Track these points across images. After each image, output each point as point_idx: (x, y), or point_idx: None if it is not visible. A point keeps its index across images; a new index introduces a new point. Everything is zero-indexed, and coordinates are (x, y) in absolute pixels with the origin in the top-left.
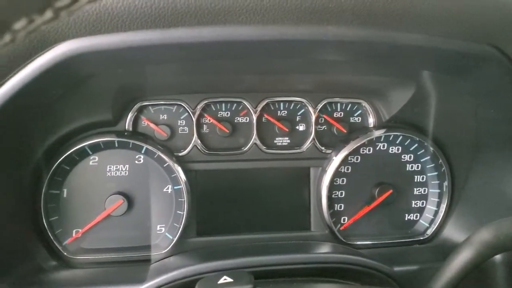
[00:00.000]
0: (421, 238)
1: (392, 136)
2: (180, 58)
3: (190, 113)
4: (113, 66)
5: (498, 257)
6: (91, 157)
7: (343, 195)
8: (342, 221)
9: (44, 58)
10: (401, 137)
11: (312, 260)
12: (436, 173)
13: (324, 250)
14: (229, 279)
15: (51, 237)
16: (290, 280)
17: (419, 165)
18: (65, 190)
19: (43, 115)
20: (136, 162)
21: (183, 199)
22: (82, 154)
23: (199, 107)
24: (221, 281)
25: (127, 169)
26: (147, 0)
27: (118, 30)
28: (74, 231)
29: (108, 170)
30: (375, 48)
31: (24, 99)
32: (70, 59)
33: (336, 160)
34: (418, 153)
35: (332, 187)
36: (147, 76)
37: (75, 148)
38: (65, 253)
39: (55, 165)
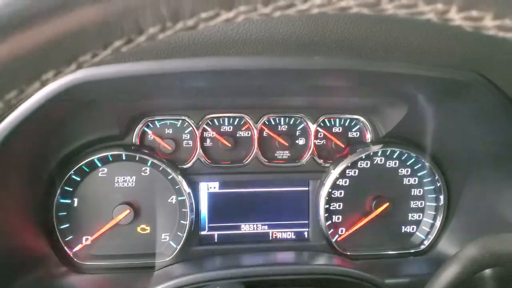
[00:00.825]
0: (417, 250)
1: (389, 151)
2: (179, 85)
3: (194, 128)
4: (114, 93)
5: (488, 271)
6: (100, 169)
7: (341, 207)
8: (340, 232)
9: (52, 86)
10: (398, 152)
11: (304, 271)
12: (432, 187)
13: (318, 261)
14: None
15: (63, 244)
16: None
17: (416, 179)
18: (76, 200)
19: (55, 131)
20: (143, 174)
21: (186, 210)
22: (92, 166)
23: (203, 122)
24: None
25: (134, 181)
26: None
27: (117, 62)
28: (84, 238)
29: (116, 181)
30: (361, 76)
31: (32, 122)
32: (77, 86)
33: (334, 173)
34: (415, 167)
35: (330, 199)
36: (152, 98)
37: (85, 161)
38: (75, 259)
39: (67, 176)
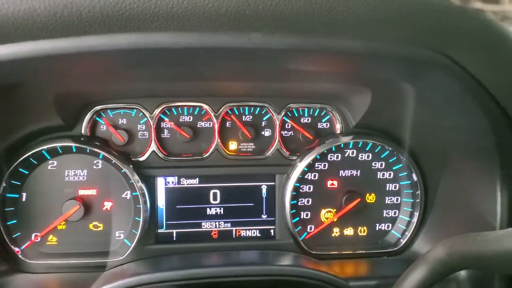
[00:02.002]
0: (391, 250)
1: (361, 142)
2: (102, 66)
3: (149, 117)
4: (33, 75)
5: (462, 273)
6: (50, 162)
7: (309, 203)
8: (308, 230)
9: None
10: (370, 144)
11: (265, 272)
12: (409, 182)
13: (281, 261)
14: None
15: (8, 240)
16: None
17: (391, 173)
18: (24, 194)
19: None
20: (94, 167)
21: (140, 206)
22: (40, 158)
23: (158, 111)
24: None
25: (86, 174)
26: (49, 9)
27: (26, 39)
28: (33, 235)
29: (66, 175)
30: (308, 56)
31: None
32: None
33: (301, 166)
34: (390, 161)
35: (297, 194)
36: (86, 83)
37: (31, 152)
38: (22, 257)
39: (11, 168)
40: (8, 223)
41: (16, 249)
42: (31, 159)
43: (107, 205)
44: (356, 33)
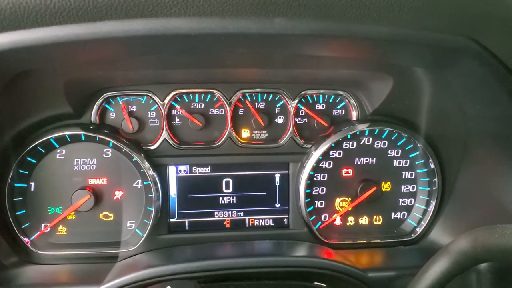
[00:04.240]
0: (407, 239)
1: (377, 130)
2: (116, 53)
3: (160, 105)
4: (45, 62)
5: (483, 264)
6: (58, 150)
7: (324, 192)
8: (322, 219)
9: None
10: (387, 131)
11: (281, 263)
12: (425, 169)
13: (296, 252)
14: None
15: (17, 231)
16: (256, 284)
17: (408, 161)
18: (32, 184)
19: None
20: (104, 155)
21: (152, 195)
22: (48, 147)
23: (169, 98)
24: None
25: (95, 163)
26: None
27: (39, 25)
28: (42, 225)
29: (75, 163)
30: (333, 42)
31: None
32: None
33: (316, 155)
34: (407, 148)
35: (312, 183)
36: (97, 69)
37: (40, 141)
38: (32, 248)
39: (19, 157)
40: (17, 213)
41: (26, 239)
42: (39, 147)
43: (118, 194)
44: (385, 18)
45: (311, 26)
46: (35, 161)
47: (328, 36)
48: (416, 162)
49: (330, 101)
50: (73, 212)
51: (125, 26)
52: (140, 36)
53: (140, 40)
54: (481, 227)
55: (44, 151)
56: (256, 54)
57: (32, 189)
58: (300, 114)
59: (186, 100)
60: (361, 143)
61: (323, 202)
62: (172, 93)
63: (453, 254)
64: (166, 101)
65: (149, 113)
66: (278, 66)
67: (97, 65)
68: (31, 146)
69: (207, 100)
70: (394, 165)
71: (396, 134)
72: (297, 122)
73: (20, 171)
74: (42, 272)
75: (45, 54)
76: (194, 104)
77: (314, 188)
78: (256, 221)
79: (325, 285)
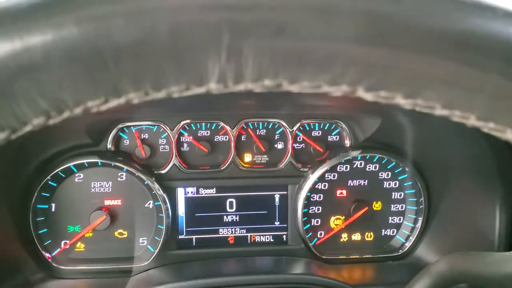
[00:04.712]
0: (396, 254)
1: (368, 155)
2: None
3: (169, 133)
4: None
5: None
6: (76, 174)
7: (319, 211)
8: (318, 236)
9: None
10: (377, 156)
11: (280, 280)
12: (413, 190)
13: (295, 268)
14: None
15: (40, 248)
16: None
17: (397, 182)
18: (53, 205)
19: (29, 139)
20: (119, 179)
21: (163, 215)
22: (68, 172)
23: (178, 127)
24: None
25: (111, 186)
26: None
27: None
28: (62, 242)
29: (92, 186)
30: (320, 96)
31: None
32: None
33: (312, 177)
34: (396, 171)
35: (309, 203)
36: (118, 112)
37: (61, 168)
38: (54, 264)
39: (43, 182)
40: (40, 231)
41: (48, 255)
42: (59, 173)
43: (131, 214)
44: None
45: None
46: (55, 184)
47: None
48: (405, 184)
49: (326, 128)
50: (91, 230)
51: None
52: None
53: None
54: (459, 252)
55: (64, 176)
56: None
57: (53, 210)
58: (298, 140)
59: (194, 128)
60: (354, 166)
61: (319, 220)
62: (181, 123)
63: (433, 275)
64: (175, 130)
65: (159, 140)
66: (276, 110)
67: (118, 113)
68: (53, 173)
69: (212, 128)
70: (385, 186)
71: (386, 159)
72: (295, 148)
73: (42, 193)
74: (64, 286)
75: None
76: (200, 132)
77: (310, 208)
78: (258, 238)
79: None
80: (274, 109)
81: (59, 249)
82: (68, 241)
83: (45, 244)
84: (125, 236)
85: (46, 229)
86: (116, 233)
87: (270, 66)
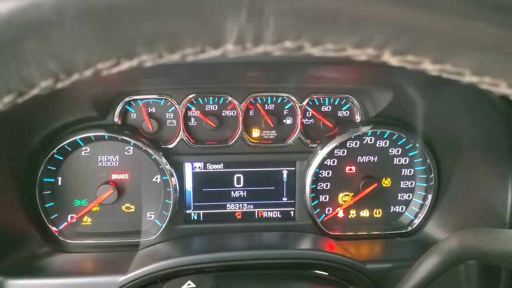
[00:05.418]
0: (404, 231)
1: (379, 131)
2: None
3: (176, 107)
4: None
5: None
6: (83, 148)
7: (328, 187)
8: (326, 212)
9: None
10: (388, 132)
11: (288, 256)
12: (423, 167)
13: (302, 244)
14: (193, 285)
15: (47, 222)
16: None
17: (407, 159)
18: (59, 179)
19: (34, 111)
20: (126, 153)
21: (170, 189)
22: (74, 145)
23: (186, 101)
24: (185, 286)
25: (118, 160)
26: None
27: None
28: (69, 216)
29: (99, 160)
30: (338, 69)
31: None
32: None
33: (321, 153)
34: (406, 147)
35: (317, 179)
36: (124, 86)
37: (67, 141)
38: (60, 238)
39: (49, 155)
40: (46, 205)
41: (54, 229)
42: (66, 146)
43: (138, 188)
44: None
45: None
46: (62, 158)
47: (329, 63)
48: (415, 160)
49: (336, 104)
50: (98, 204)
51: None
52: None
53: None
54: (469, 229)
55: (70, 149)
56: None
57: (59, 183)
58: (307, 115)
59: (201, 103)
60: (364, 142)
61: (327, 196)
62: (188, 97)
63: (443, 252)
64: (182, 103)
65: (167, 114)
66: (285, 83)
67: (123, 83)
68: (59, 146)
69: (220, 102)
70: (394, 162)
71: (397, 135)
72: (304, 123)
73: (48, 167)
74: (71, 260)
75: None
76: (208, 106)
77: (319, 184)
78: (265, 213)
79: (326, 273)
80: (283, 82)
81: (66, 223)
82: (75, 215)
83: (51, 218)
84: (132, 210)
85: (52, 203)
86: (123, 207)
87: (293, 26)
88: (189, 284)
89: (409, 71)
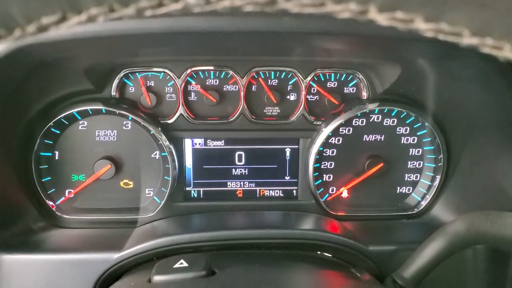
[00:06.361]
0: (410, 212)
1: (386, 109)
2: (134, 45)
3: (176, 81)
4: (66, 53)
5: None
6: (80, 122)
7: (332, 166)
8: (330, 192)
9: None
10: (396, 110)
11: (287, 235)
12: (432, 147)
13: (304, 224)
14: (185, 263)
15: (44, 196)
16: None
17: (415, 138)
18: (56, 153)
19: (27, 82)
20: (124, 128)
21: (169, 166)
22: (71, 119)
23: (185, 75)
24: (177, 265)
25: (115, 135)
26: None
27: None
28: (67, 191)
29: (96, 135)
30: (341, 39)
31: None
32: (17, 51)
33: (326, 131)
34: (415, 126)
35: (321, 157)
36: (116, 57)
37: (63, 114)
38: (57, 213)
39: (45, 128)
40: (43, 180)
41: (51, 203)
42: (62, 119)
43: (137, 164)
44: None
45: (317, 25)
46: (59, 132)
47: (335, 34)
48: (424, 140)
49: (342, 79)
50: (95, 180)
51: (141, 24)
52: (155, 33)
53: (155, 35)
54: (477, 212)
55: (67, 123)
56: (267, 46)
57: (56, 158)
58: (311, 91)
59: (202, 77)
60: (371, 120)
61: (331, 176)
62: (188, 70)
63: (449, 235)
64: (182, 77)
65: (166, 88)
66: (290, 55)
67: (116, 54)
68: (55, 119)
69: (221, 76)
70: (402, 142)
71: (405, 113)
72: (309, 100)
73: (45, 141)
74: (67, 236)
75: (66, 47)
76: (209, 81)
77: (322, 163)
78: (267, 192)
79: (330, 255)
80: (286, 53)
81: (63, 198)
82: (72, 190)
83: (48, 192)
84: (131, 186)
85: (49, 178)
86: (121, 183)
87: None
88: (181, 263)
89: (418, 42)
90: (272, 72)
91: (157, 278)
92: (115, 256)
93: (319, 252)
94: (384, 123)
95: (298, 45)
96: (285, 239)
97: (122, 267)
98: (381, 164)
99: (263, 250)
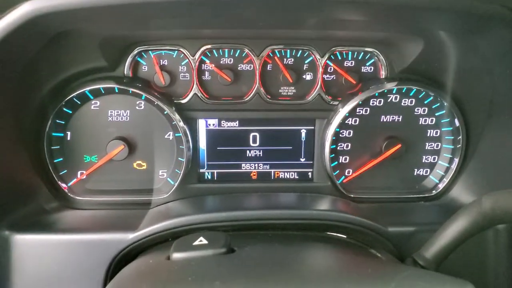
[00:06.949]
0: (428, 195)
1: (405, 88)
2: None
3: (190, 59)
4: (82, 23)
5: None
6: (93, 102)
7: (348, 148)
8: (346, 174)
9: (9, 18)
10: (414, 90)
11: (303, 216)
12: (451, 128)
13: (320, 205)
14: (205, 241)
15: (56, 178)
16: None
17: (434, 119)
18: (69, 133)
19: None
20: (137, 108)
21: (183, 147)
22: (83, 98)
23: (199, 53)
24: (197, 242)
25: (128, 115)
26: None
27: None
28: (79, 172)
29: (109, 114)
30: (365, 7)
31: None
32: (36, 18)
33: (342, 112)
34: (433, 107)
35: (337, 139)
36: (131, 29)
37: (76, 93)
38: (70, 194)
39: (57, 108)
40: (55, 160)
41: (64, 185)
42: (74, 99)
43: (150, 145)
44: None
45: None
46: (71, 112)
47: (360, 2)
48: (442, 121)
49: (360, 58)
50: (108, 161)
51: None
52: (169, 1)
53: (168, 3)
54: (502, 190)
55: (79, 102)
56: (287, 17)
57: (68, 138)
58: (328, 70)
59: (216, 55)
60: (388, 100)
61: (348, 157)
62: (202, 48)
63: (473, 214)
64: (196, 56)
65: (180, 67)
66: (309, 28)
67: (130, 25)
68: (67, 98)
69: (236, 55)
70: (420, 123)
71: (424, 92)
72: (325, 79)
73: (57, 121)
74: (80, 217)
75: (81, 16)
76: (223, 59)
77: (339, 144)
78: (282, 174)
79: (345, 236)
80: (302, 26)
81: (75, 179)
82: (84, 171)
83: (60, 173)
84: (144, 167)
85: (61, 158)
86: (134, 165)
87: None
88: (201, 241)
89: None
90: (288, 51)
91: (176, 255)
92: (131, 236)
93: (336, 234)
94: (402, 103)
95: (317, 15)
96: (301, 220)
97: (137, 248)
98: (399, 145)
99: (278, 231)
